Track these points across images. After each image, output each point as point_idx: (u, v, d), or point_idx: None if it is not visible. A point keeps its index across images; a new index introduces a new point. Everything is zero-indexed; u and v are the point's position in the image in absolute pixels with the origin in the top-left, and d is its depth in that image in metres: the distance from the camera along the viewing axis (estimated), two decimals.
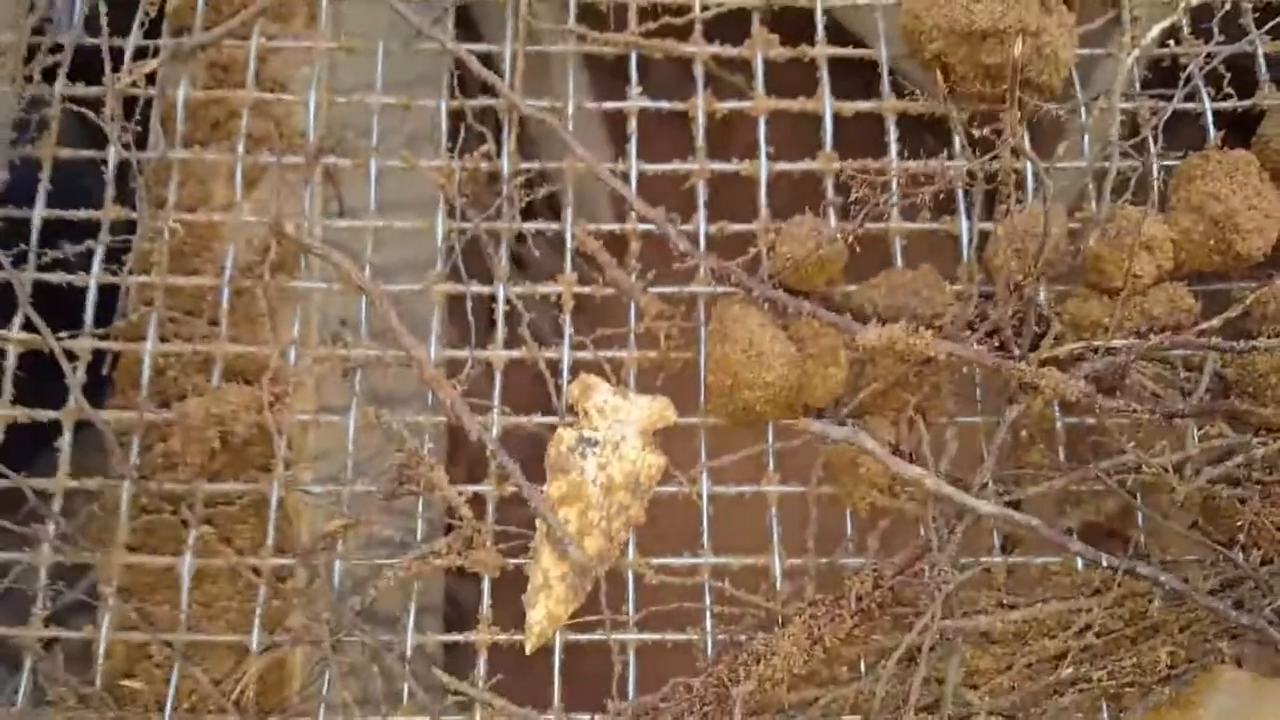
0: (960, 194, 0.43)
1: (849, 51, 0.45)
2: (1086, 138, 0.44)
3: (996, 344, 0.38)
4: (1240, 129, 0.44)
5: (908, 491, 0.38)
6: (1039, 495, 0.39)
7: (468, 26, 0.51)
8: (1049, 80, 0.43)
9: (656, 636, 0.38)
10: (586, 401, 0.39)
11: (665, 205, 0.41)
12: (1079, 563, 0.38)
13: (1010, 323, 0.38)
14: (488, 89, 0.43)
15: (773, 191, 0.43)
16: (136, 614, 0.37)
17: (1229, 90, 0.43)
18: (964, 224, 0.43)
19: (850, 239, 0.40)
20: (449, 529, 0.39)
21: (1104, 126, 0.43)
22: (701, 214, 0.42)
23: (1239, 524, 0.37)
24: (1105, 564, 0.36)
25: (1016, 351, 0.38)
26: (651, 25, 0.45)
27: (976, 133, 0.41)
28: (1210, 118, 0.43)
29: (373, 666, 0.35)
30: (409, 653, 0.36)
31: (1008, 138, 0.39)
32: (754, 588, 0.38)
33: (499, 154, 0.43)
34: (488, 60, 0.44)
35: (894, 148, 0.43)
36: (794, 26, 0.46)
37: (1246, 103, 0.44)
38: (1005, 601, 0.37)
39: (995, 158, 0.40)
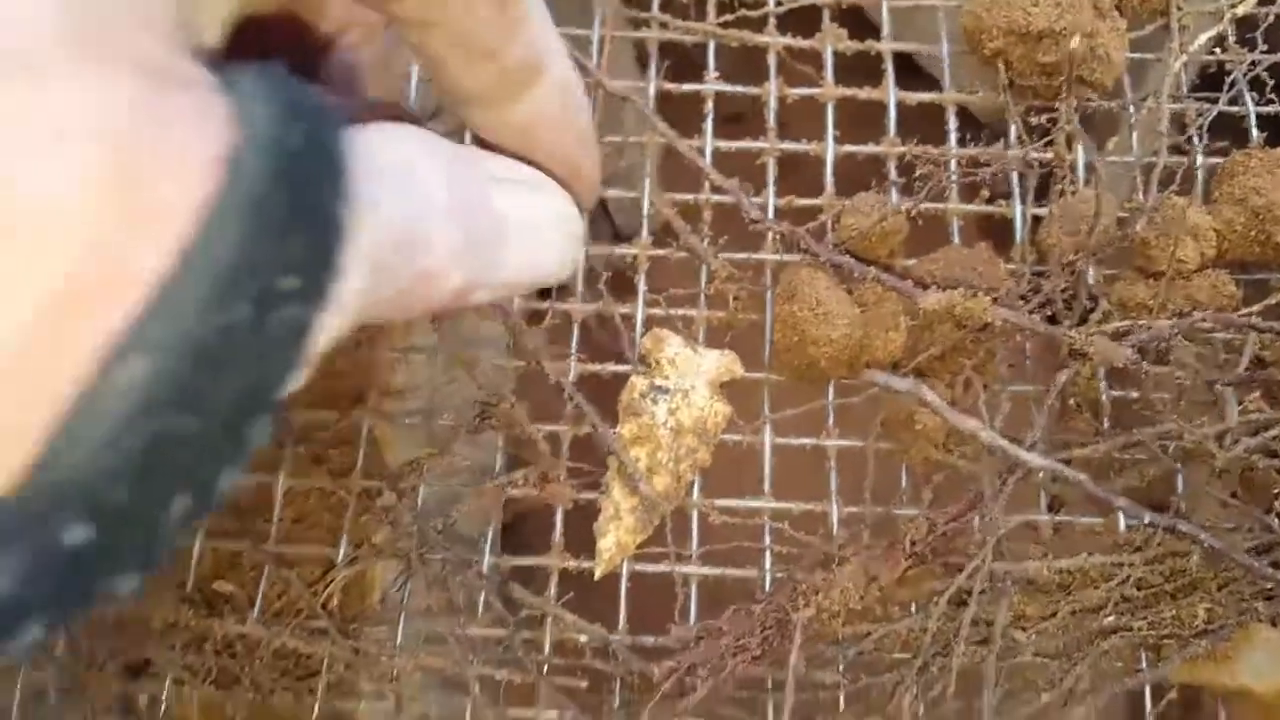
0: (1015, 179, 0.46)
1: (915, 46, 0.48)
2: (1135, 134, 0.47)
3: (1048, 315, 0.40)
4: None
5: (961, 450, 0.40)
6: (1084, 460, 0.41)
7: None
8: (1101, 79, 0.46)
9: (717, 571, 0.40)
10: (659, 353, 0.42)
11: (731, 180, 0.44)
12: (1121, 523, 0.40)
13: (1061, 296, 0.41)
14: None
15: (836, 173, 0.46)
16: (232, 526, 0.40)
17: (1271, 96, 0.46)
18: (1018, 208, 0.45)
19: (911, 214, 0.43)
20: (514, 464, 0.42)
21: (1152, 124, 0.45)
22: (771, 188, 0.45)
23: (1275, 493, 0.39)
24: (1148, 520, 0.38)
25: (1067, 322, 0.40)
26: (729, 17, 0.48)
27: (1033, 121, 0.44)
28: (1253, 119, 0.46)
29: (453, 578, 0.38)
30: (485, 569, 0.39)
31: (1063, 125, 0.42)
32: (811, 533, 0.40)
33: None
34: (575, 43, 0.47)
35: (953, 136, 0.46)
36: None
37: None
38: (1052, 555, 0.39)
39: (1050, 144, 0.43)
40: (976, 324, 0.38)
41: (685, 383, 0.41)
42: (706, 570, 0.40)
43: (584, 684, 0.37)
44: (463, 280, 0.19)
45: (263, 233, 0.15)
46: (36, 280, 0.13)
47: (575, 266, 0.25)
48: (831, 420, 0.42)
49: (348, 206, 0.16)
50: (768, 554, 0.40)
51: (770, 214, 0.44)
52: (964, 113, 0.47)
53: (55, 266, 0.13)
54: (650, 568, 0.40)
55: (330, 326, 0.16)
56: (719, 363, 0.41)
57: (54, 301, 0.13)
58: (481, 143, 0.23)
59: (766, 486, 0.41)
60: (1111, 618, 0.37)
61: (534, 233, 0.22)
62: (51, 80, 0.13)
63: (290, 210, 0.15)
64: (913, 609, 0.38)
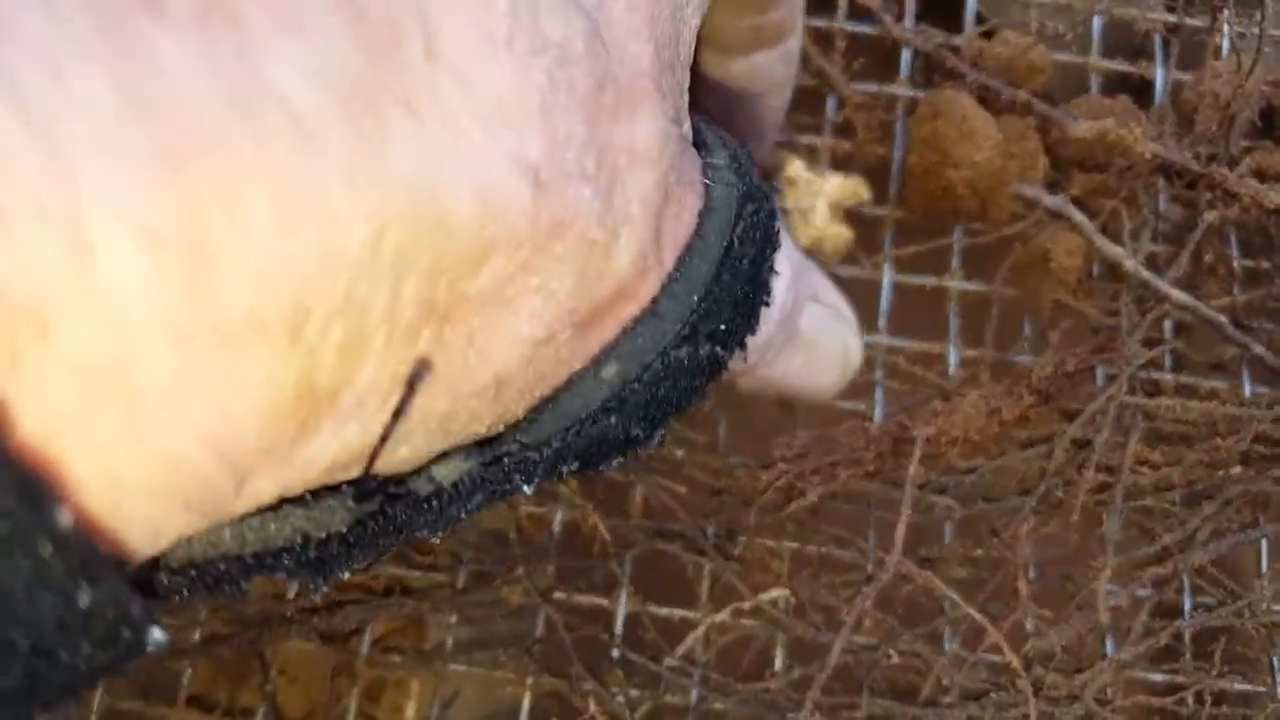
0: (1159, 41, 0.44)
1: None
2: None
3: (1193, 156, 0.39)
4: None
5: (1092, 301, 0.39)
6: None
7: None
8: None
9: (825, 402, 0.39)
10: (779, 172, 0.41)
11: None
12: (1246, 388, 0.39)
13: (1205, 151, 0.39)
14: None
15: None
16: None
17: None
18: (1159, 71, 0.44)
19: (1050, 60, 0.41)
20: None
21: None
22: (910, 19, 0.43)
23: None
24: None
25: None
26: None
27: None
28: None
29: None
30: None
31: None
32: (928, 372, 0.39)
33: None
34: None
35: None
36: None
37: None
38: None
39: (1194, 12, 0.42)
40: (1126, 157, 0.37)
41: (804, 203, 0.40)
42: (814, 400, 0.39)
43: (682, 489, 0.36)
44: (744, 366, 0.21)
45: (719, 283, 0.17)
46: (608, 270, 0.16)
47: (833, 394, 0.30)
48: (956, 262, 0.40)
49: (774, 277, 0.20)
50: (879, 388, 0.39)
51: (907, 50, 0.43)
52: None
53: (619, 266, 0.16)
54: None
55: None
56: (844, 184, 0.40)
57: (605, 295, 0.16)
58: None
59: (882, 323, 0.40)
60: (1238, 468, 0.36)
61: (817, 355, 0.26)
62: (640, 109, 0.16)
63: (741, 270, 0.18)
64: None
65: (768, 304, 0.20)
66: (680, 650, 0.35)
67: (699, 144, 0.19)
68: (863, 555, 0.36)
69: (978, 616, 0.33)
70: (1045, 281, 0.39)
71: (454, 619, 0.36)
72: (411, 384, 0.14)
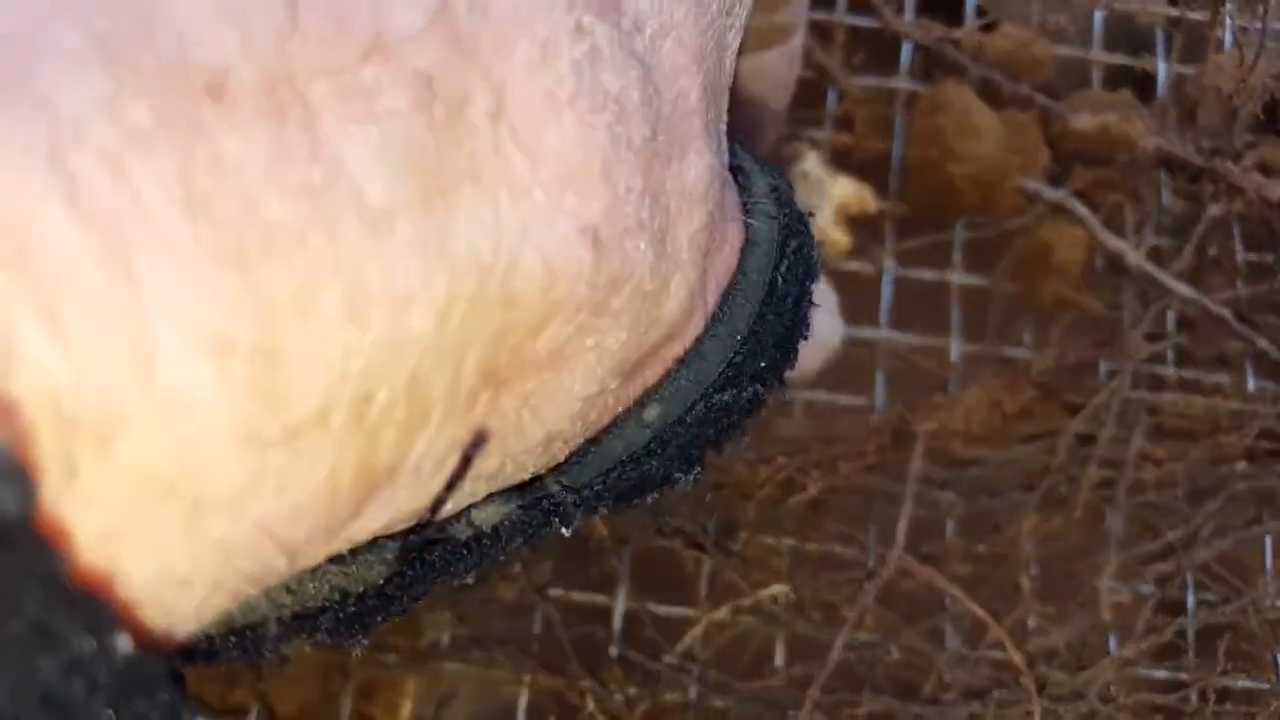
0: (1160, 34, 0.44)
1: None
2: None
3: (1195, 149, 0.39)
4: None
5: (1095, 295, 0.39)
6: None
7: None
8: None
9: (826, 397, 0.39)
10: (793, 166, 0.40)
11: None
12: (1250, 382, 0.38)
13: (1207, 146, 0.39)
14: None
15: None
16: None
17: None
18: (1161, 65, 0.44)
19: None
20: None
21: None
22: (909, 12, 0.43)
23: None
24: None
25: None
26: None
27: None
28: None
29: None
30: None
31: None
32: (929, 367, 0.39)
33: None
34: None
35: None
36: None
37: None
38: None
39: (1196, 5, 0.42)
40: (1128, 151, 0.37)
41: (812, 201, 0.40)
42: (815, 396, 0.39)
43: None
44: None
45: (762, 322, 0.17)
46: (659, 318, 0.15)
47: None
48: (957, 256, 0.40)
49: (811, 309, 0.19)
50: (879, 380, 0.39)
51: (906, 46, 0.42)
52: None
53: (668, 312, 0.15)
54: None
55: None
56: (851, 191, 0.40)
57: (653, 342, 0.16)
58: None
59: (884, 317, 0.40)
60: (1241, 464, 0.35)
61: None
62: (689, 148, 0.15)
63: (781, 308, 0.17)
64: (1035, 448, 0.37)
65: (806, 338, 0.19)
66: (679, 647, 0.35)
67: (735, 169, 0.18)
68: (864, 551, 0.35)
69: (980, 613, 0.33)
70: (1047, 276, 0.38)
71: (450, 616, 0.36)
72: (468, 456, 0.14)
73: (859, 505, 0.36)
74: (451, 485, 0.14)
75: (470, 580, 0.17)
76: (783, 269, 0.17)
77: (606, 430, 0.16)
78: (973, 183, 0.38)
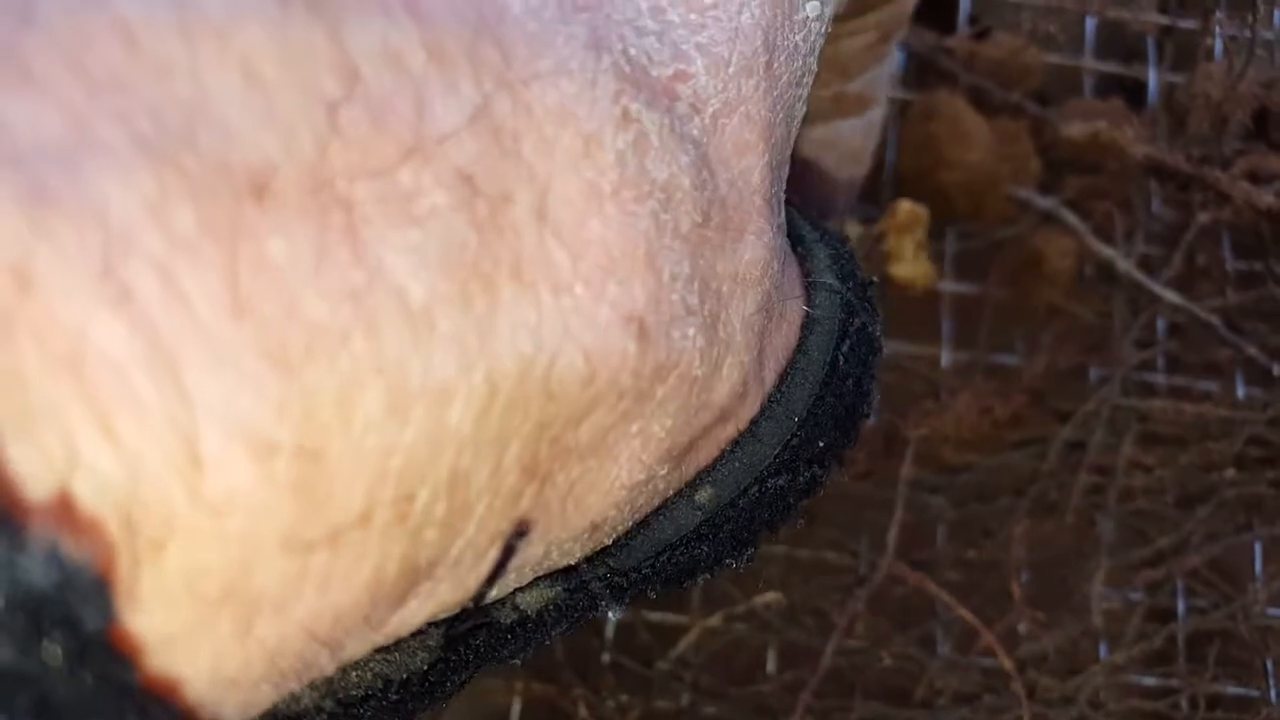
0: (1151, 43, 0.44)
1: None
2: (1277, 12, 0.45)
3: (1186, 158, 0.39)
4: None
5: (1085, 303, 0.39)
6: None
7: None
8: None
9: None
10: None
11: None
12: (1239, 389, 0.39)
13: (1197, 153, 0.39)
14: None
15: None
16: None
17: None
18: (1152, 73, 0.44)
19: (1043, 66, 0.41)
20: None
21: None
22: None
23: None
24: (1277, 371, 0.36)
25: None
26: None
27: None
28: None
29: None
30: None
31: None
32: (920, 375, 0.39)
33: None
34: None
35: None
36: None
37: None
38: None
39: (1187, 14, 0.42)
40: (1119, 159, 0.37)
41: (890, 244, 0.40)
42: None
43: None
44: None
45: (822, 404, 0.16)
46: (709, 402, 0.15)
47: None
48: (948, 264, 0.40)
49: (875, 387, 0.18)
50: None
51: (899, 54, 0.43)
52: None
53: (720, 396, 0.15)
54: None
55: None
56: (905, 210, 0.39)
57: (704, 425, 0.15)
58: None
59: None
60: (1231, 471, 0.36)
61: None
62: (747, 229, 0.15)
63: (842, 388, 0.17)
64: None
65: (868, 417, 0.18)
66: (672, 654, 0.35)
67: (795, 238, 0.17)
68: (855, 557, 0.35)
69: (970, 619, 0.33)
70: (1038, 283, 0.39)
71: None
72: (511, 546, 0.14)
73: (850, 512, 0.36)
74: (494, 576, 0.14)
75: (516, 663, 0.17)
76: (844, 349, 0.17)
77: (656, 512, 0.16)
78: (964, 190, 0.38)
